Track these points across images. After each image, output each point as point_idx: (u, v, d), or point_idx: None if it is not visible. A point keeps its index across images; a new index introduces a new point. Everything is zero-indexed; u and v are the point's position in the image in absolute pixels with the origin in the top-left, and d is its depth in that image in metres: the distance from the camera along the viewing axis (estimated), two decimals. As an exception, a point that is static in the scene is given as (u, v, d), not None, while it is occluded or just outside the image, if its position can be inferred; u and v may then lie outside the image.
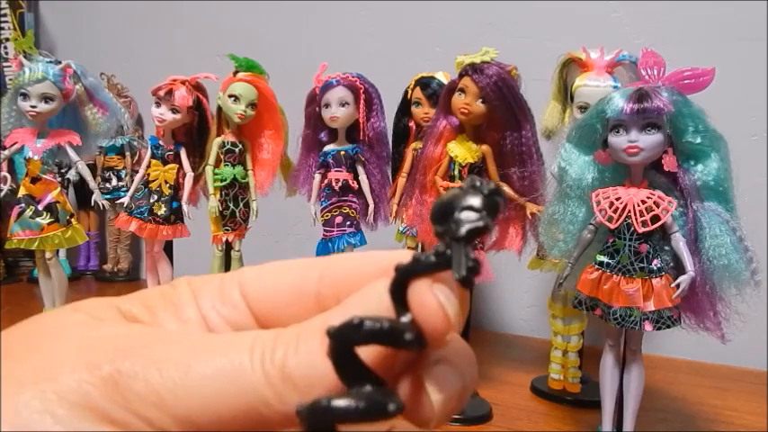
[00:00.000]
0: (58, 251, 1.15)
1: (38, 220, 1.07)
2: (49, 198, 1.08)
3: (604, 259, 0.76)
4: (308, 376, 0.19)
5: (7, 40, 1.78)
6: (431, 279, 0.19)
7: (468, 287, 0.19)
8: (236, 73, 1.09)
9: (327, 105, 1.06)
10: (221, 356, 0.19)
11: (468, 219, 0.19)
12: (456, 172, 0.95)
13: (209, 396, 0.19)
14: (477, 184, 0.20)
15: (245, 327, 0.23)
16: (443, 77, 1.08)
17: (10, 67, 1.63)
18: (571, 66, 0.97)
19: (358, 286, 0.21)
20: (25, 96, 1.04)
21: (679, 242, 0.73)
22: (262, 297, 0.23)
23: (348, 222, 1.10)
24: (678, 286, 0.72)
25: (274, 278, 0.24)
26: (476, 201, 0.19)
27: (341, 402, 0.17)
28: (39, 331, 0.21)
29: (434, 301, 0.19)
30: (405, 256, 0.20)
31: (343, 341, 0.18)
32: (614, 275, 0.75)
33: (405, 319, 0.19)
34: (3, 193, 1.14)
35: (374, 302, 0.20)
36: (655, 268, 0.74)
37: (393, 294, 0.20)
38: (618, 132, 0.73)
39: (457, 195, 0.20)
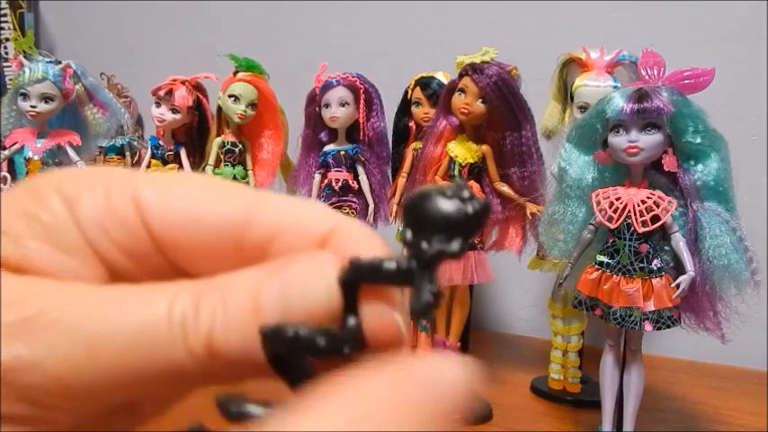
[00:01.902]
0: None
1: (38, 220, 1.07)
2: (49, 198, 1.08)
3: (604, 259, 0.76)
4: (237, 355, 0.17)
5: (7, 40, 1.78)
6: (392, 304, 0.18)
7: (417, 320, 0.18)
8: (236, 73, 1.09)
9: (327, 105, 1.06)
10: (131, 316, 0.17)
11: (441, 240, 0.17)
12: (456, 172, 0.95)
13: (116, 368, 0.16)
14: (465, 195, 0.17)
15: (146, 257, 0.19)
16: (443, 77, 1.08)
17: (10, 67, 1.63)
18: (571, 66, 0.97)
19: (292, 244, 0.19)
20: (25, 96, 1.04)
21: (679, 242, 0.73)
22: (169, 225, 0.19)
23: (348, 222, 1.10)
24: (678, 286, 0.73)
25: (188, 204, 0.19)
26: (456, 216, 0.17)
27: None
28: None
29: (397, 329, 0.18)
30: (354, 237, 0.19)
31: (276, 343, 0.17)
32: (614, 275, 0.75)
33: (351, 323, 0.17)
34: (3, 194, 1.14)
35: (322, 293, 0.17)
36: (655, 268, 0.74)
37: (342, 289, 0.18)
38: (618, 132, 0.73)
39: (436, 201, 0.17)
